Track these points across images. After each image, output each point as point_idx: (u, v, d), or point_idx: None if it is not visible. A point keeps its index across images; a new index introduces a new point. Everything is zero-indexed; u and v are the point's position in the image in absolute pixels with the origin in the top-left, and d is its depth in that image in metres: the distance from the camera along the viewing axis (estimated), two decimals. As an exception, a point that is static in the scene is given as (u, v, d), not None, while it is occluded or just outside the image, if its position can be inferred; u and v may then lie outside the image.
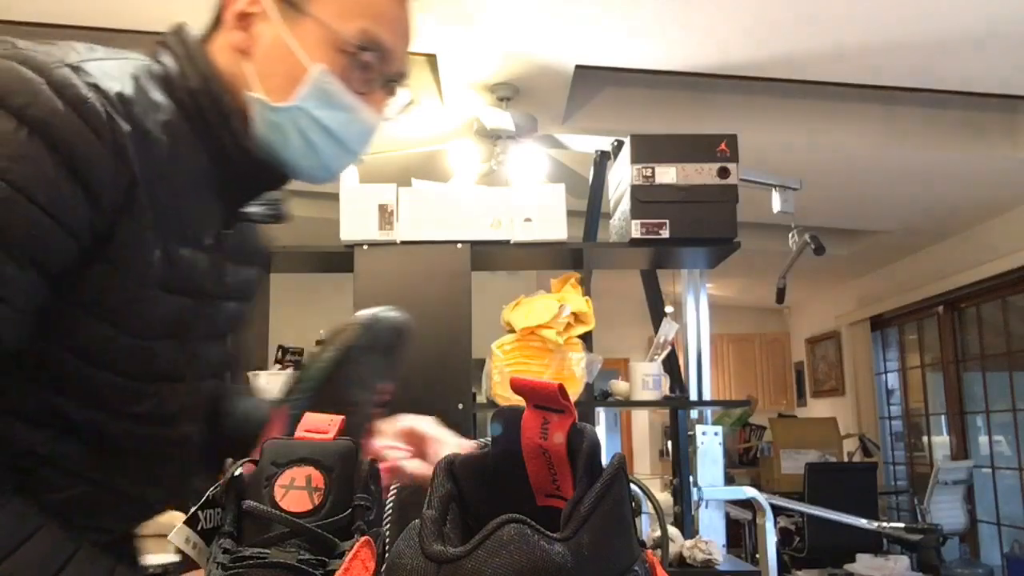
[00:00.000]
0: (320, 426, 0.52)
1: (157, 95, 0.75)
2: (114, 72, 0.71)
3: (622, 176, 2.30)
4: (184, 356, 0.80)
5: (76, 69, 0.67)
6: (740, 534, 4.79)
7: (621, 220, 2.31)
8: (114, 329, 0.72)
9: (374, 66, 0.81)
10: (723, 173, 2.17)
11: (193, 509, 0.50)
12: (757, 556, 2.82)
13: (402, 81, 0.86)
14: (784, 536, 4.73)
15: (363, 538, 0.47)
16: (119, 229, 0.69)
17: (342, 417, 0.54)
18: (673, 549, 2.21)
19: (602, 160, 2.80)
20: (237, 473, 0.50)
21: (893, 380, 6.50)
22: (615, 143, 2.48)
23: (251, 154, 0.80)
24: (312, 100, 0.79)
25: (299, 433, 0.52)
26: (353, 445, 0.52)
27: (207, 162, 0.79)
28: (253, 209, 0.89)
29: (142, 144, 0.70)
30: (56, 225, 0.64)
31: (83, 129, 0.65)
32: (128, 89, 0.71)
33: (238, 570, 0.45)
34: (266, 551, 0.46)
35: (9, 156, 0.62)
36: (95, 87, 0.67)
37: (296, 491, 0.48)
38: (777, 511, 4.00)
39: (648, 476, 7.29)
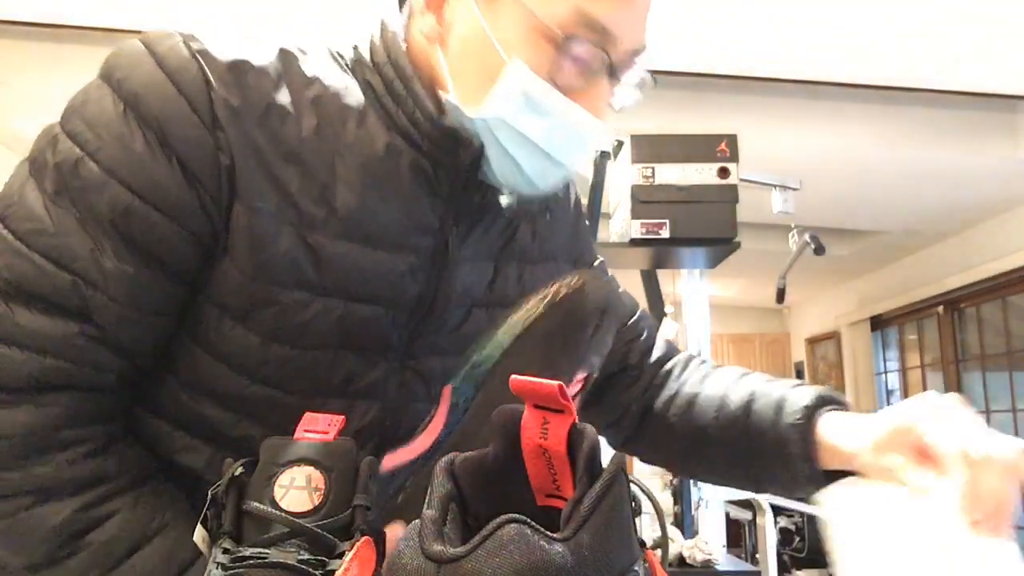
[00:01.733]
0: (320, 426, 0.52)
1: (317, 70, 0.66)
2: (240, 42, 0.63)
3: (622, 176, 2.30)
4: (377, 372, 0.68)
5: (189, 38, 0.61)
6: (740, 534, 4.79)
7: (621, 220, 2.31)
8: (257, 336, 0.63)
9: (593, 53, 0.64)
10: (723, 173, 2.17)
11: (204, 509, 0.50)
12: (757, 556, 2.82)
13: (636, 59, 0.68)
14: (784, 536, 4.73)
15: (363, 538, 0.47)
16: (232, 213, 0.60)
17: (342, 417, 0.54)
18: (673, 549, 2.21)
19: (602, 160, 2.80)
20: (237, 473, 0.49)
21: (893, 380, 6.50)
22: (615, 143, 2.48)
23: (452, 141, 0.67)
24: (509, 104, 0.64)
25: (299, 433, 0.52)
26: (353, 444, 0.51)
27: (396, 151, 0.67)
28: (504, 200, 0.72)
29: (261, 118, 0.61)
30: (149, 207, 0.58)
31: (176, 99, 0.59)
32: (257, 60, 0.63)
33: (238, 570, 0.45)
34: (266, 551, 0.46)
35: (100, 136, 0.58)
36: (202, 53, 0.61)
37: (296, 491, 0.48)
38: (777, 511, 4.00)
39: (648, 476, 7.29)
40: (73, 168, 0.58)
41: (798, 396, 0.75)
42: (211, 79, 0.60)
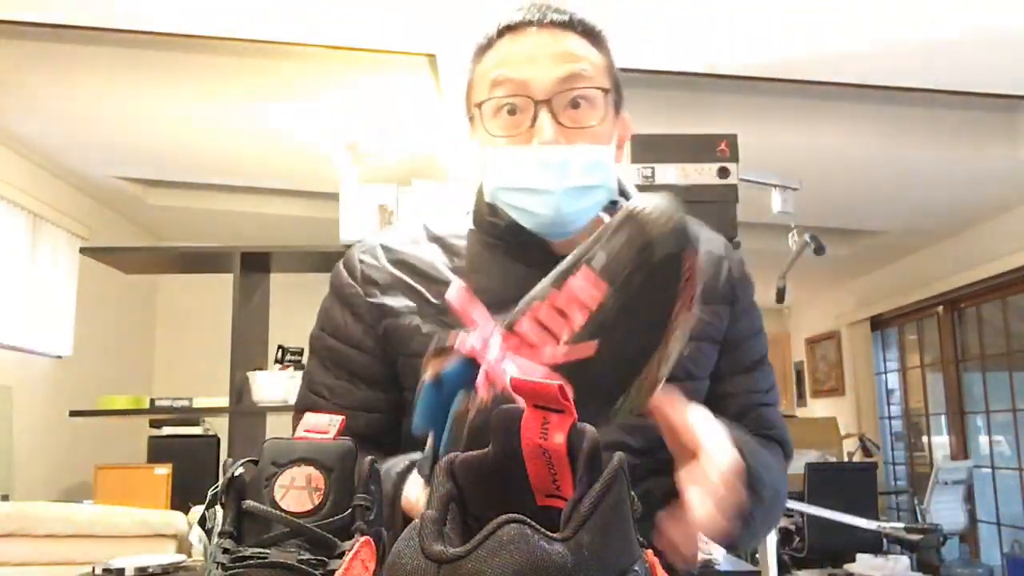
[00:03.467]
0: (320, 426, 0.52)
1: (445, 230, 0.96)
2: (391, 232, 0.98)
3: (622, 176, 2.30)
4: None
5: (360, 242, 0.98)
6: (740, 534, 4.78)
7: (621, 220, 2.31)
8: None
9: (513, 102, 0.87)
10: (723, 173, 2.17)
11: (203, 510, 0.50)
12: (757, 556, 2.82)
13: (575, 84, 0.88)
14: (784, 536, 4.73)
15: (363, 538, 0.47)
16: (384, 328, 0.92)
17: (342, 417, 0.54)
18: (673, 549, 2.20)
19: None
20: (237, 473, 0.50)
21: (893, 380, 6.50)
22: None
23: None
24: (493, 174, 0.88)
25: (299, 433, 0.52)
26: (353, 445, 0.51)
27: (492, 247, 0.93)
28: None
29: (396, 263, 0.93)
30: (339, 343, 0.94)
31: (343, 274, 0.96)
32: (395, 239, 0.95)
33: (238, 570, 0.45)
34: (266, 551, 0.46)
35: (319, 315, 0.98)
36: (360, 244, 0.98)
37: (296, 491, 0.48)
38: (777, 511, 3.98)
39: (648, 476, 7.25)
40: (313, 338, 0.98)
41: None
42: (360, 256, 0.96)
